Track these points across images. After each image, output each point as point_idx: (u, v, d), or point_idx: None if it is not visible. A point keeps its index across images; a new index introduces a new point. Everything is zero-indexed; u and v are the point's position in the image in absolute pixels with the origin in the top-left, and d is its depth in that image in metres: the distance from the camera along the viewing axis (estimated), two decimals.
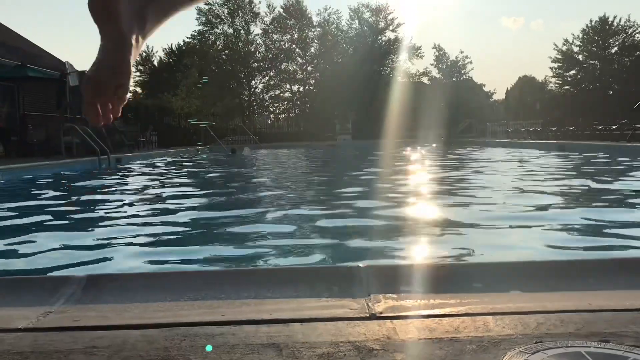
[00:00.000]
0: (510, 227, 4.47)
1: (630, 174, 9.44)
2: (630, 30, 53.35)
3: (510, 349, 1.69)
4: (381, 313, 2.04)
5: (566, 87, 57.66)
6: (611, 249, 3.65)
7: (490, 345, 1.73)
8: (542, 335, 1.78)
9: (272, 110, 59.49)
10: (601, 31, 54.14)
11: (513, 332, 1.82)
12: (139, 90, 53.82)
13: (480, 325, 1.89)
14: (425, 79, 57.85)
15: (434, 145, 31.31)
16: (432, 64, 58.24)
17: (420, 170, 11.45)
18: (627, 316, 1.93)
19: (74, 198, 7.24)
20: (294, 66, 57.09)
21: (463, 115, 50.62)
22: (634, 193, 6.58)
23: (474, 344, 1.73)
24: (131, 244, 3.96)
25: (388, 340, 1.79)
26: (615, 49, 54.25)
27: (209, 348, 1.95)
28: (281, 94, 57.83)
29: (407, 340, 1.80)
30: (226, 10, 54.20)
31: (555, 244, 3.75)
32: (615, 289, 2.23)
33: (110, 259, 3.44)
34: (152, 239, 4.12)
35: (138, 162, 18.67)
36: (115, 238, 4.16)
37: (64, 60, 24.50)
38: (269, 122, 58.56)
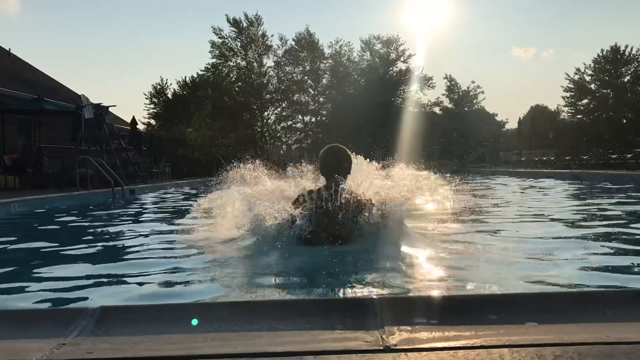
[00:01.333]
0: (525, 257, 4.42)
1: None
2: None
3: None
4: (395, 345, 2.02)
5: (579, 116, 57.59)
6: (629, 280, 3.59)
7: None
8: None
9: (284, 140, 59.97)
10: (613, 60, 54.22)
11: None
12: (152, 122, 54.44)
13: (496, 358, 1.86)
14: (437, 109, 58.06)
15: (447, 174, 31.20)
16: (443, 94, 58.50)
17: (432, 200, 11.40)
18: None
19: (88, 230, 7.29)
20: (306, 97, 57.72)
21: (475, 144, 50.66)
22: None
23: None
24: (145, 275, 3.96)
25: None
26: (628, 77, 54.22)
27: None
28: (293, 125, 58.35)
29: None
30: (239, 44, 55.11)
31: (571, 274, 3.70)
32: (634, 320, 2.19)
33: (124, 291, 3.44)
34: (165, 270, 4.11)
35: (152, 193, 18.78)
36: (129, 269, 4.16)
37: (79, 93, 24.90)
38: (282, 152, 59.01)
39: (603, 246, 5.01)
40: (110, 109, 25.83)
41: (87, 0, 76.29)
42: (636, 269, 3.92)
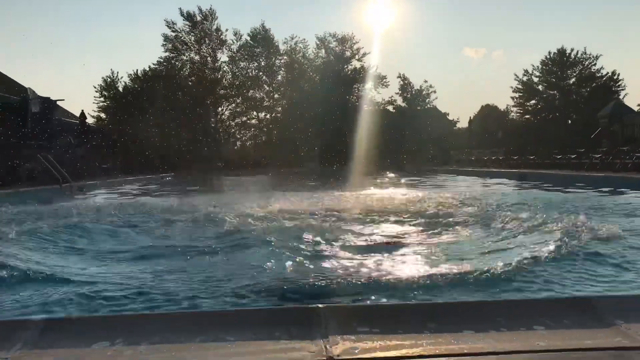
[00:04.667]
0: (464, 263, 4.54)
1: (584, 207, 9.48)
2: (587, 62, 55.37)
3: None
4: (338, 356, 2.08)
5: (527, 116, 59.23)
6: (559, 288, 3.74)
7: None
8: None
9: (238, 137, 59.63)
10: (559, 62, 56.02)
11: None
12: (103, 115, 53.25)
13: None
14: (390, 107, 58.72)
15: (398, 173, 31.71)
16: (397, 93, 59.19)
17: (380, 203, 11.55)
18: (572, 356, 2.02)
19: (33, 232, 7.01)
20: (261, 93, 57.51)
21: (427, 143, 51.52)
22: (581, 233, 6.53)
23: None
24: (90, 284, 3.89)
25: None
26: (573, 79, 56.12)
27: None
28: (248, 121, 58.07)
29: None
30: (193, 38, 54.41)
31: (502, 284, 3.81)
32: (561, 327, 2.32)
33: (68, 301, 3.38)
34: (111, 279, 4.05)
35: (102, 189, 18.41)
36: (74, 278, 4.08)
37: (26, 86, 24.16)
38: (235, 148, 58.69)
39: (534, 256, 5.09)
40: (59, 103, 25.16)
41: None
42: (570, 276, 4.07)
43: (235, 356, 2.08)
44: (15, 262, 4.57)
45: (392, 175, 29.63)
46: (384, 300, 3.42)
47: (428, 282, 3.86)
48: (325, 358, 2.06)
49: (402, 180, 23.97)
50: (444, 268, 4.32)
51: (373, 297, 3.51)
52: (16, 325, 2.42)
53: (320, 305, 2.54)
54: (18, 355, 2.11)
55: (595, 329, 2.30)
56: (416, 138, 52.36)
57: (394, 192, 14.88)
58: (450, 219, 7.98)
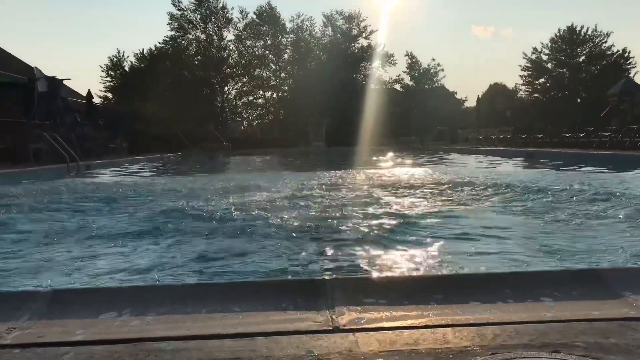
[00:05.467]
0: (470, 239, 4.54)
1: (593, 185, 9.45)
2: (597, 40, 54.66)
3: None
4: (344, 325, 2.09)
5: (535, 94, 58.68)
6: (565, 260, 3.73)
7: (447, 358, 1.79)
8: (497, 347, 1.85)
9: (245, 116, 59.51)
10: (569, 40, 55.33)
11: (470, 344, 1.88)
12: (109, 95, 53.15)
13: (439, 337, 1.95)
14: (398, 86, 58.34)
15: (405, 152, 31.63)
16: (404, 72, 58.72)
17: (387, 181, 11.52)
18: (579, 327, 2.01)
19: (41, 208, 7.10)
20: (267, 72, 57.23)
21: (435, 122, 51.27)
22: (589, 207, 6.54)
23: (431, 356, 1.79)
24: (97, 257, 3.93)
25: (350, 353, 1.84)
26: (583, 57, 55.46)
27: None
28: (254, 100, 57.87)
29: (368, 352, 1.85)
30: (198, 16, 54.05)
31: (512, 255, 3.83)
32: (569, 299, 2.31)
33: (76, 273, 3.42)
34: (118, 252, 4.10)
35: (108, 169, 18.44)
36: (82, 251, 4.12)
37: (32, 65, 24.11)
38: (242, 128, 58.65)
39: (541, 228, 5.12)
40: (65, 82, 25.11)
41: None
42: (571, 249, 4.05)
43: (242, 326, 2.08)
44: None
45: (398, 154, 29.55)
46: (390, 272, 3.43)
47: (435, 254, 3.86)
48: (331, 328, 2.06)
49: (409, 159, 23.92)
50: (449, 241, 4.32)
51: (379, 269, 3.52)
52: (25, 296, 2.44)
53: (326, 277, 2.55)
54: (27, 325, 2.12)
55: (602, 300, 2.30)
56: (424, 117, 52.10)
57: (401, 171, 14.86)
58: (456, 194, 8.00)
